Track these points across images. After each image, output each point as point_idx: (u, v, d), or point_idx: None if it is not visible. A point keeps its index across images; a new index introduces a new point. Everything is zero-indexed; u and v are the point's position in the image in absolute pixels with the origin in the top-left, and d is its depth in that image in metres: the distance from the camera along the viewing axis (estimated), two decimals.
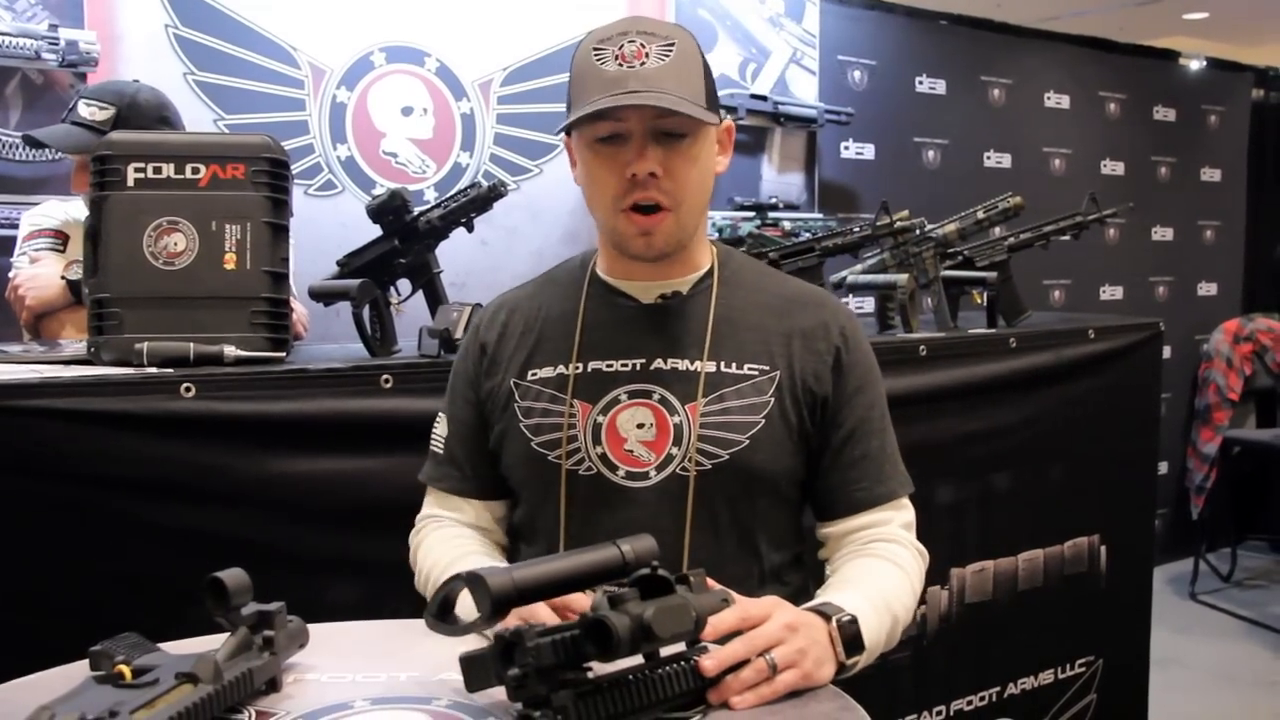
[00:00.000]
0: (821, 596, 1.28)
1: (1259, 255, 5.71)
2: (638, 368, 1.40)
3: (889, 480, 1.43)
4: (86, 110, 2.36)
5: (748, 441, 1.36)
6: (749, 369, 1.39)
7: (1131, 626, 2.78)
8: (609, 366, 1.41)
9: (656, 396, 1.38)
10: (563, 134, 1.42)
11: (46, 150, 2.90)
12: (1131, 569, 2.75)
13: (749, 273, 1.49)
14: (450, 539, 1.47)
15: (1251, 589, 4.96)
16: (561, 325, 1.45)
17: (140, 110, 2.37)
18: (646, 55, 1.31)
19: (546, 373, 1.43)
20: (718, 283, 1.44)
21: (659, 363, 1.39)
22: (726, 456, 1.36)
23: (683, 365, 1.39)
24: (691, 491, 1.35)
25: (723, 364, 1.39)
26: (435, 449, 1.52)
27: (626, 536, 1.31)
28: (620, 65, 1.31)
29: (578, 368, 1.41)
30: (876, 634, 1.25)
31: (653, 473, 1.36)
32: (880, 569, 1.36)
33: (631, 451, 1.37)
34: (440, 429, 1.53)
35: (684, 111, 1.30)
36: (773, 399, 1.38)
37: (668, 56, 1.32)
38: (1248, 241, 5.77)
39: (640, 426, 1.38)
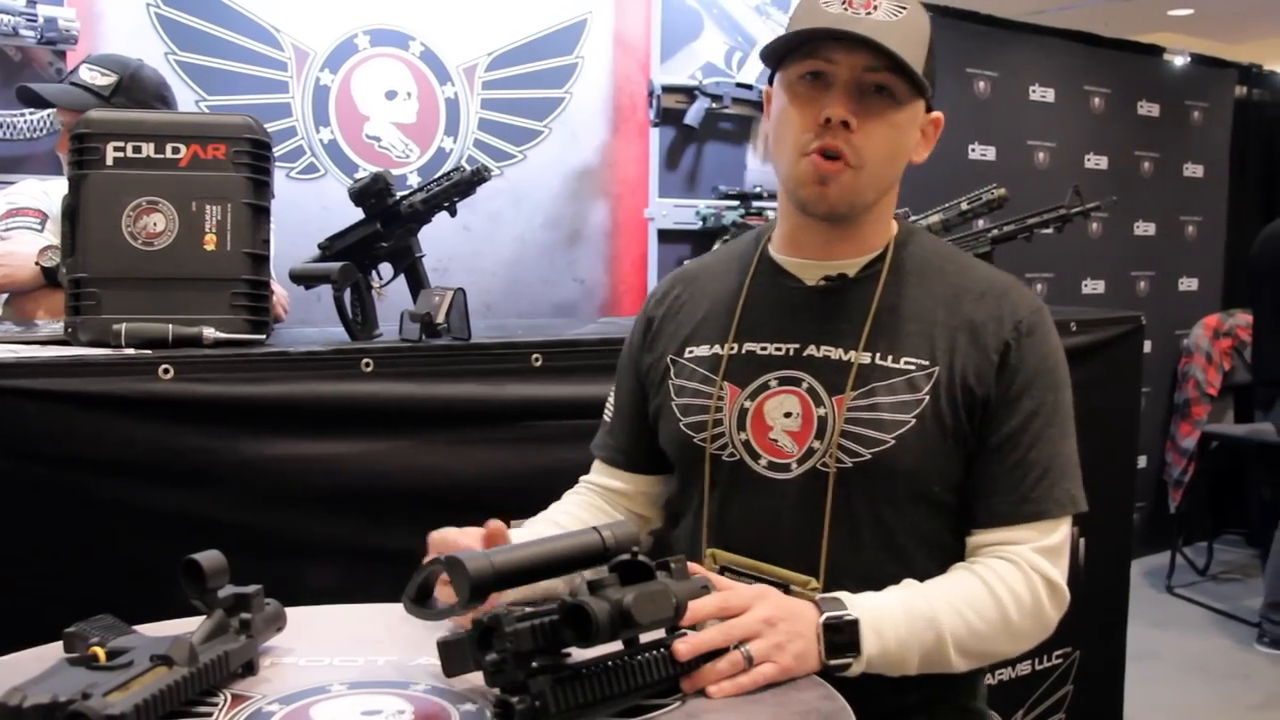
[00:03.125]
0: (861, 593, 1.21)
1: (1240, 251, 5.73)
2: (790, 353, 1.33)
3: (1040, 499, 1.28)
4: (88, 74, 2.35)
5: (894, 441, 1.26)
6: (905, 363, 1.29)
7: (1109, 619, 2.80)
8: (763, 349, 1.35)
9: (805, 385, 1.31)
10: (765, 87, 1.36)
11: (25, 127, 2.88)
12: (1109, 562, 2.76)
13: (928, 257, 1.37)
14: (567, 505, 1.49)
15: (1227, 582, 5.00)
16: (724, 303, 1.40)
17: (141, 84, 2.36)
18: (875, 7, 1.24)
19: (702, 351, 1.39)
20: (888, 268, 1.34)
21: (811, 349, 1.32)
22: (869, 456, 1.27)
23: (835, 354, 1.31)
24: (830, 489, 1.28)
25: (878, 356, 1.30)
26: (605, 417, 1.53)
27: (765, 528, 1.31)
28: (845, 9, 1.24)
29: (732, 348, 1.37)
30: (898, 643, 1.17)
31: (794, 465, 1.30)
32: (960, 583, 1.25)
33: (776, 441, 1.32)
34: (612, 398, 1.53)
35: (894, 53, 1.21)
36: (928, 397, 1.27)
37: (898, 15, 1.24)
38: (1229, 238, 5.80)
39: (787, 415, 1.31)
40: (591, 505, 1.51)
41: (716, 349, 1.38)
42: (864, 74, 1.24)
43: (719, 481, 1.35)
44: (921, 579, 1.27)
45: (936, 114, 1.35)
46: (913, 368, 1.29)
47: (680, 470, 1.43)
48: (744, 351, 1.36)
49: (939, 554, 1.31)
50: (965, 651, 1.23)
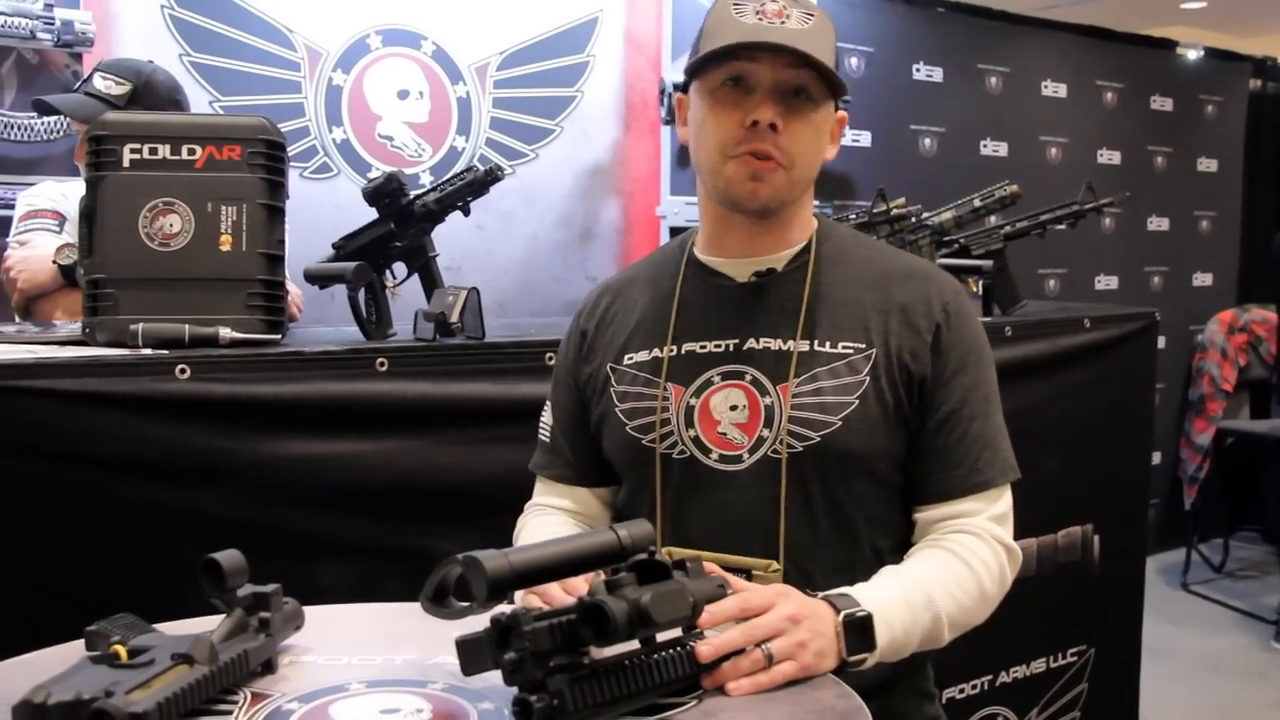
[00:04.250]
0: (857, 585, 1.24)
1: (1254, 246, 5.71)
2: (730, 348, 1.37)
3: (986, 469, 1.35)
4: (102, 83, 2.36)
5: (840, 423, 1.32)
6: (844, 348, 1.34)
7: (1123, 616, 2.79)
8: (702, 348, 1.38)
9: (748, 377, 1.35)
10: (677, 94, 1.41)
11: (42, 129, 2.89)
12: (1124, 559, 2.76)
13: (850, 247, 1.44)
14: (544, 527, 1.46)
15: (1243, 580, 4.98)
16: (658, 308, 1.44)
17: (155, 91, 2.37)
18: (788, 16, 1.29)
19: (642, 356, 1.42)
20: (814, 259, 1.40)
21: (751, 342, 1.36)
22: (818, 438, 1.32)
23: (775, 345, 1.36)
24: (784, 474, 1.32)
25: (816, 343, 1.35)
26: (542, 437, 1.52)
27: (723, 519, 1.34)
28: (760, 19, 1.29)
29: (672, 350, 1.40)
30: (905, 632, 1.21)
31: (746, 455, 1.34)
32: (941, 562, 1.31)
33: (725, 434, 1.35)
34: (546, 417, 1.52)
35: (822, 62, 1.27)
36: (868, 378, 1.33)
37: (809, 22, 1.29)
38: (1243, 232, 5.77)
39: (734, 408, 1.35)
40: (568, 526, 1.48)
41: (656, 352, 1.41)
42: (785, 78, 1.29)
43: (671, 480, 1.38)
44: (872, 556, 1.34)
45: (842, 113, 1.41)
46: (851, 351, 1.34)
47: (629, 475, 1.44)
48: (684, 352, 1.39)
49: (885, 530, 1.37)
50: (955, 628, 1.29)
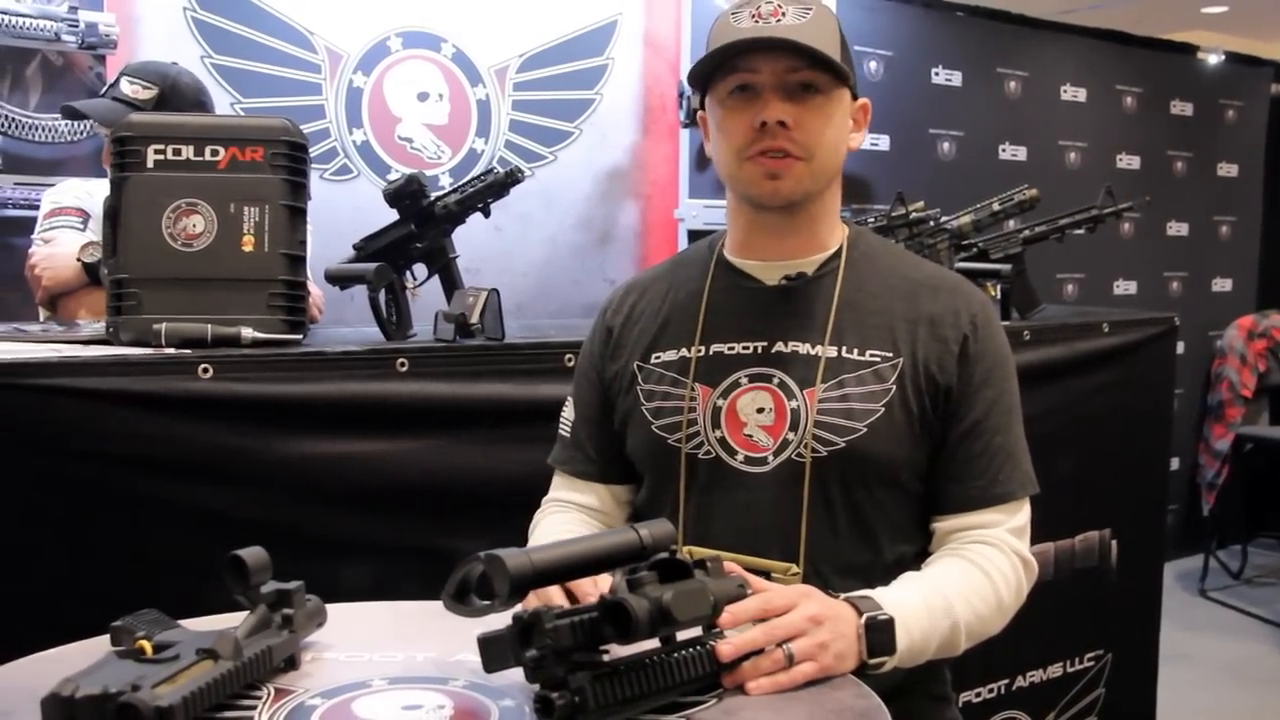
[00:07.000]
0: (879, 589, 1.25)
1: (1275, 251, 5.68)
2: (759, 351, 1.38)
3: (1006, 481, 1.36)
4: (129, 88, 2.38)
5: (865, 430, 1.32)
6: (871, 355, 1.35)
7: (1141, 621, 2.78)
8: (730, 349, 1.39)
9: (776, 381, 1.36)
10: (698, 111, 1.42)
11: (66, 130, 2.92)
12: (1142, 564, 2.75)
13: (880, 255, 1.45)
14: (561, 525, 1.47)
15: (1262, 586, 4.96)
16: (686, 308, 1.44)
17: (181, 94, 2.39)
18: (783, 14, 1.31)
19: (669, 356, 1.42)
20: (844, 265, 1.40)
21: (780, 346, 1.37)
22: (843, 444, 1.32)
23: (803, 349, 1.36)
24: (807, 478, 1.33)
25: (844, 349, 1.36)
26: (563, 432, 1.53)
27: (745, 521, 1.35)
28: (755, 22, 1.31)
29: (700, 350, 1.40)
30: (923, 637, 1.22)
31: (770, 458, 1.35)
32: (960, 571, 1.32)
33: (751, 436, 1.36)
34: (568, 412, 1.53)
35: (813, 48, 1.28)
36: (894, 386, 1.34)
37: (805, 17, 1.31)
38: (1264, 237, 5.74)
39: (760, 411, 1.36)
40: (584, 524, 1.49)
41: (684, 352, 1.42)
42: (787, 76, 1.31)
43: (695, 480, 1.38)
44: (890, 563, 1.35)
45: (863, 100, 1.41)
46: (878, 359, 1.35)
47: (652, 473, 1.44)
48: (712, 352, 1.40)
49: (903, 538, 1.38)
50: (971, 636, 1.29)
